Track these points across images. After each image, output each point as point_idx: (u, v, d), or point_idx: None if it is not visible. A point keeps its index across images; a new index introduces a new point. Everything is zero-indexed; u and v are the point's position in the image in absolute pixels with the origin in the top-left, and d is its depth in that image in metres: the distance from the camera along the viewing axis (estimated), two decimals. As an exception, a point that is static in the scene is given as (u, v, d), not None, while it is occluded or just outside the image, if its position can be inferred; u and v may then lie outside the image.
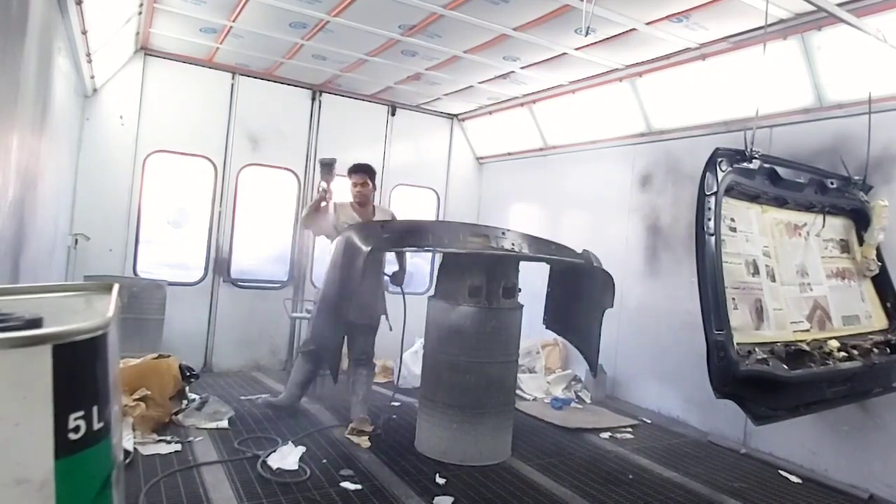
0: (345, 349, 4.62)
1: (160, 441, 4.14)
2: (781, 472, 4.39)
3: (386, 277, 5.05)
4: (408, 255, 5.29)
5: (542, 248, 4.64)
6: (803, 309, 3.64)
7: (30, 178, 3.33)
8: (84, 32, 4.21)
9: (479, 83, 6.55)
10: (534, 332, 5.87)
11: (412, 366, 6.11)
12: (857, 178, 4.03)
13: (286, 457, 3.98)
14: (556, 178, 7.23)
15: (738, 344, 3.08)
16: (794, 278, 3.67)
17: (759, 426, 3.84)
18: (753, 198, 3.59)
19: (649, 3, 4.26)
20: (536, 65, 5.75)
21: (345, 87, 7.14)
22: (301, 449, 4.12)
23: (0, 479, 0.86)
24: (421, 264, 8.83)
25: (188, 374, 4.88)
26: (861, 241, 4.06)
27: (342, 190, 5.02)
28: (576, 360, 6.20)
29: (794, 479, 4.29)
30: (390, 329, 4.98)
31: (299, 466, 3.88)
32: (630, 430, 5.23)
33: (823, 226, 3.92)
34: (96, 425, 0.96)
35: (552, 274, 5.14)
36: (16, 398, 0.88)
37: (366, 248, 3.83)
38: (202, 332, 6.55)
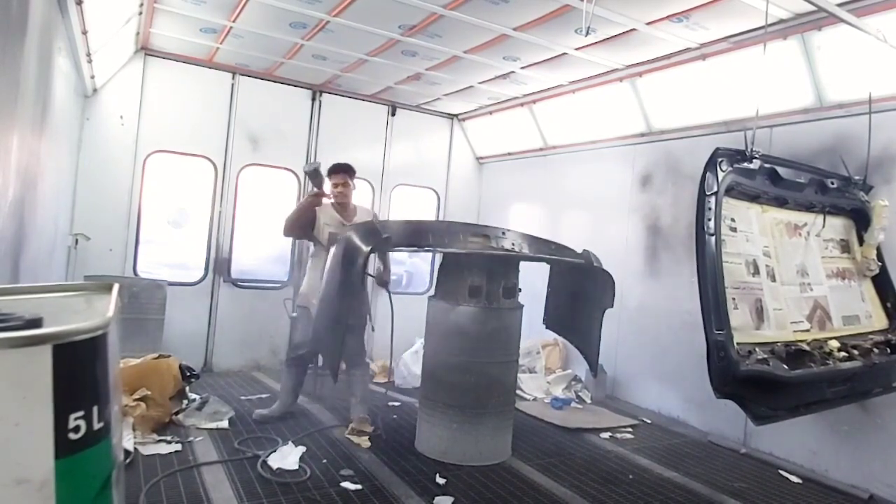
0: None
1: (160, 441, 4.14)
2: (781, 472, 4.39)
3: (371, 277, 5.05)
4: (391, 255, 5.31)
5: (542, 248, 4.64)
6: (803, 309, 3.64)
7: (30, 178, 3.33)
8: (84, 32, 4.21)
9: (480, 83, 6.55)
10: (534, 332, 5.87)
11: (412, 366, 6.12)
12: (857, 178, 4.03)
13: (286, 457, 3.98)
14: (557, 178, 7.23)
15: (738, 344, 3.08)
16: (795, 278, 3.67)
17: (759, 426, 3.83)
18: (754, 198, 3.59)
19: (649, 3, 4.26)
20: (536, 65, 5.75)
21: (345, 87, 7.14)
22: (301, 449, 4.13)
23: (0, 479, 0.86)
24: (420, 265, 8.85)
25: (188, 374, 4.88)
26: (861, 241, 4.06)
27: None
28: (576, 360, 6.21)
29: (794, 479, 4.29)
30: (372, 330, 5.02)
31: (299, 466, 3.88)
32: (630, 430, 5.23)
33: (824, 226, 3.92)
34: (96, 425, 0.96)
35: (552, 274, 5.14)
36: (16, 398, 0.88)
37: (366, 248, 3.83)
38: (202, 332, 6.55)
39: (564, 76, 6.05)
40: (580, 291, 4.82)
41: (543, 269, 5.12)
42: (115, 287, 1.33)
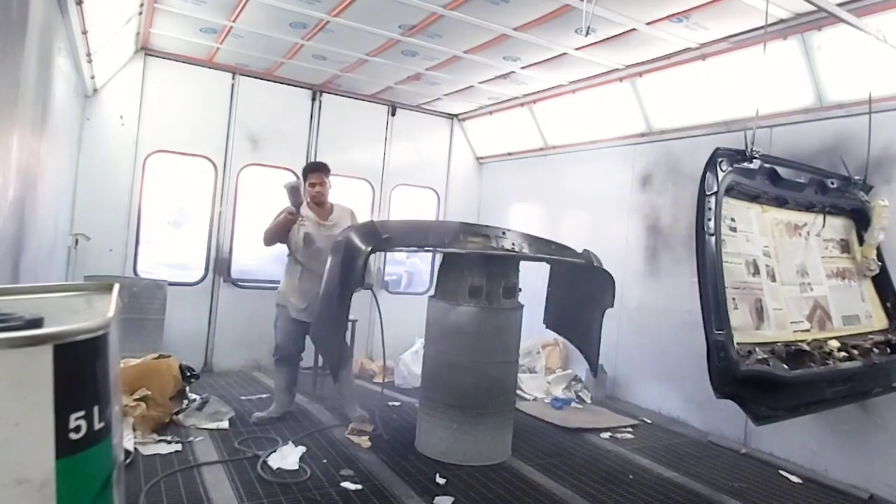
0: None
1: (160, 441, 4.14)
2: (782, 472, 4.39)
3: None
4: (389, 255, 5.32)
5: (542, 248, 4.64)
6: (803, 309, 3.64)
7: (30, 178, 3.33)
8: (84, 32, 4.21)
9: (480, 83, 6.55)
10: (534, 332, 5.87)
11: (412, 366, 6.12)
12: (857, 177, 4.03)
13: (286, 457, 3.98)
14: (557, 178, 7.23)
15: (738, 344, 3.08)
16: (795, 278, 3.67)
17: (759, 426, 3.83)
18: (754, 198, 3.59)
19: (649, 3, 4.26)
20: (536, 65, 5.75)
21: (345, 87, 7.14)
22: (301, 449, 4.13)
23: (0, 479, 0.86)
24: (420, 265, 8.86)
25: (188, 374, 4.88)
26: (861, 241, 4.06)
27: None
28: (576, 359, 6.21)
29: (794, 478, 4.29)
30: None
31: (299, 466, 3.88)
32: (630, 430, 5.23)
33: (824, 226, 3.92)
34: (97, 425, 0.96)
35: (552, 274, 5.14)
36: (16, 398, 0.88)
37: (366, 248, 3.83)
38: (202, 332, 6.55)
39: (564, 76, 6.05)
40: (580, 291, 4.82)
41: (543, 269, 5.12)
42: (116, 287, 1.33)
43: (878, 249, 4.02)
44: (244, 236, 6.81)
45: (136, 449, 3.89)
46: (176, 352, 5.17)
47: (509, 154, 7.95)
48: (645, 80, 5.67)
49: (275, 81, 6.90)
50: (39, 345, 0.90)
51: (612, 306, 4.59)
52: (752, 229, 3.51)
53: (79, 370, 0.95)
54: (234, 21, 5.23)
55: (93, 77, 5.47)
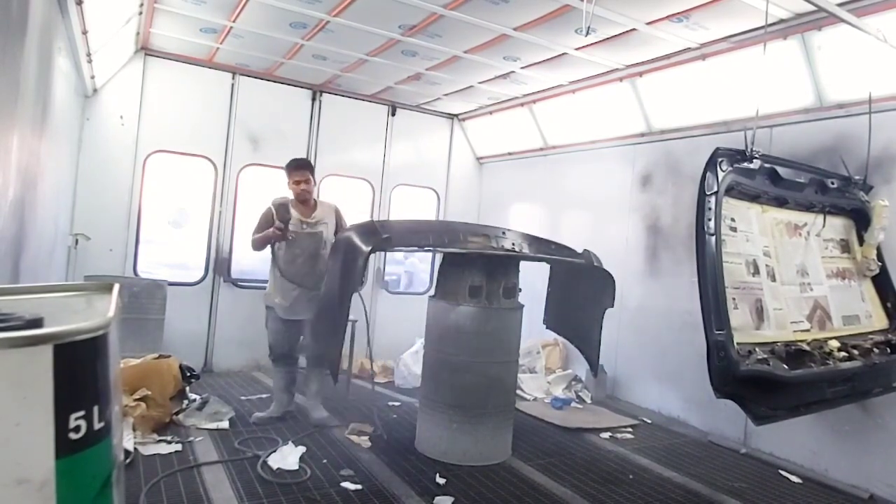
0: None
1: (160, 441, 4.14)
2: (782, 471, 4.39)
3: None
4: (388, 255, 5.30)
5: (542, 248, 4.64)
6: (803, 309, 3.64)
7: (30, 178, 3.33)
8: (84, 32, 4.21)
9: (480, 83, 6.55)
10: (534, 332, 5.87)
11: (412, 366, 6.12)
12: (857, 177, 4.03)
13: (286, 457, 3.98)
14: (557, 178, 7.23)
15: (738, 344, 3.08)
16: (795, 278, 3.67)
17: (759, 426, 3.83)
18: (754, 198, 3.59)
19: (649, 3, 4.26)
20: (536, 65, 5.75)
21: (345, 87, 7.14)
22: (301, 449, 4.13)
23: (1, 479, 0.86)
24: (418, 265, 8.86)
25: (188, 374, 4.88)
26: (861, 241, 4.06)
27: (283, 189, 4.97)
28: (576, 359, 6.21)
29: (794, 478, 4.29)
30: None
31: (300, 466, 3.88)
32: (630, 429, 5.23)
33: (824, 226, 3.92)
34: (97, 425, 0.96)
35: (552, 274, 5.14)
36: (16, 398, 0.88)
37: (366, 249, 3.83)
38: (202, 332, 6.55)
39: (564, 76, 6.05)
40: (580, 291, 4.83)
41: (543, 269, 5.12)
42: (116, 287, 1.33)
43: (878, 249, 4.02)
44: (244, 236, 6.80)
45: (136, 449, 3.89)
46: (176, 352, 5.17)
47: (509, 154, 7.95)
48: (645, 80, 5.67)
49: (275, 81, 6.90)
50: (39, 345, 0.90)
51: (612, 306, 4.59)
52: (752, 229, 3.51)
53: (79, 370, 0.95)
54: (234, 21, 5.23)
55: (93, 77, 5.47)
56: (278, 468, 3.84)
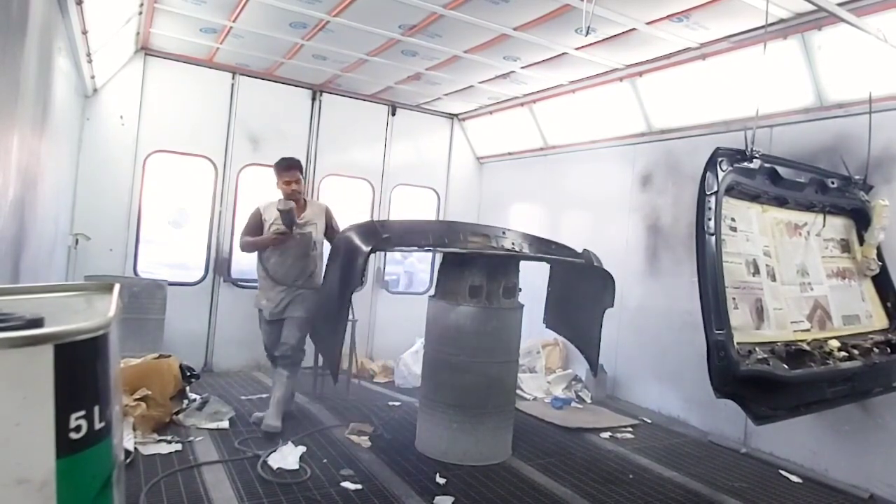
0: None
1: (161, 441, 4.14)
2: (782, 471, 4.39)
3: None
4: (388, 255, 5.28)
5: (542, 248, 4.64)
6: (804, 308, 3.64)
7: (30, 178, 3.33)
8: (84, 32, 4.21)
9: (480, 83, 6.55)
10: (534, 331, 5.87)
11: (412, 366, 6.13)
12: (857, 177, 4.03)
13: (286, 457, 3.98)
14: (557, 177, 7.23)
15: (738, 344, 3.07)
16: (795, 278, 3.67)
17: (759, 426, 3.83)
18: (754, 197, 3.59)
19: (649, 2, 4.26)
20: (536, 65, 5.75)
21: (345, 87, 7.14)
22: (301, 449, 4.13)
23: (1, 479, 0.86)
24: (417, 265, 8.86)
25: (189, 374, 4.88)
26: (861, 241, 4.06)
27: (273, 190, 4.90)
28: (576, 359, 6.21)
29: (794, 478, 4.29)
30: None
31: (300, 466, 3.88)
32: (630, 429, 5.23)
33: (824, 225, 3.92)
34: (97, 425, 0.96)
35: (552, 274, 5.14)
36: (17, 398, 0.88)
37: (366, 248, 3.83)
38: (202, 332, 6.55)
39: (564, 76, 6.05)
40: (580, 291, 4.82)
41: (543, 269, 5.12)
42: (116, 287, 1.33)
43: (879, 249, 4.01)
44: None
45: (136, 449, 3.89)
46: (176, 352, 5.17)
47: (509, 154, 7.95)
48: (645, 80, 5.67)
49: (275, 81, 6.90)
50: (40, 345, 0.90)
51: (612, 306, 4.59)
52: (752, 229, 3.51)
53: (79, 370, 0.95)
54: (234, 21, 5.23)
55: (93, 77, 5.47)
56: (278, 468, 3.84)
